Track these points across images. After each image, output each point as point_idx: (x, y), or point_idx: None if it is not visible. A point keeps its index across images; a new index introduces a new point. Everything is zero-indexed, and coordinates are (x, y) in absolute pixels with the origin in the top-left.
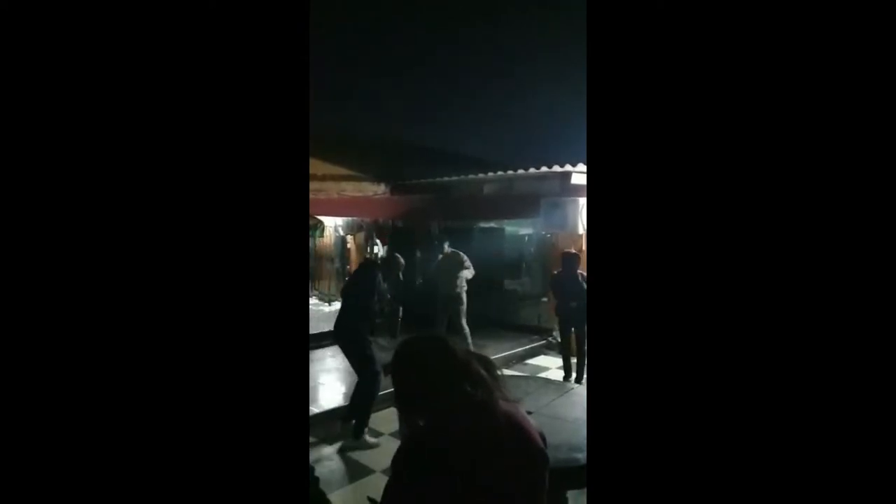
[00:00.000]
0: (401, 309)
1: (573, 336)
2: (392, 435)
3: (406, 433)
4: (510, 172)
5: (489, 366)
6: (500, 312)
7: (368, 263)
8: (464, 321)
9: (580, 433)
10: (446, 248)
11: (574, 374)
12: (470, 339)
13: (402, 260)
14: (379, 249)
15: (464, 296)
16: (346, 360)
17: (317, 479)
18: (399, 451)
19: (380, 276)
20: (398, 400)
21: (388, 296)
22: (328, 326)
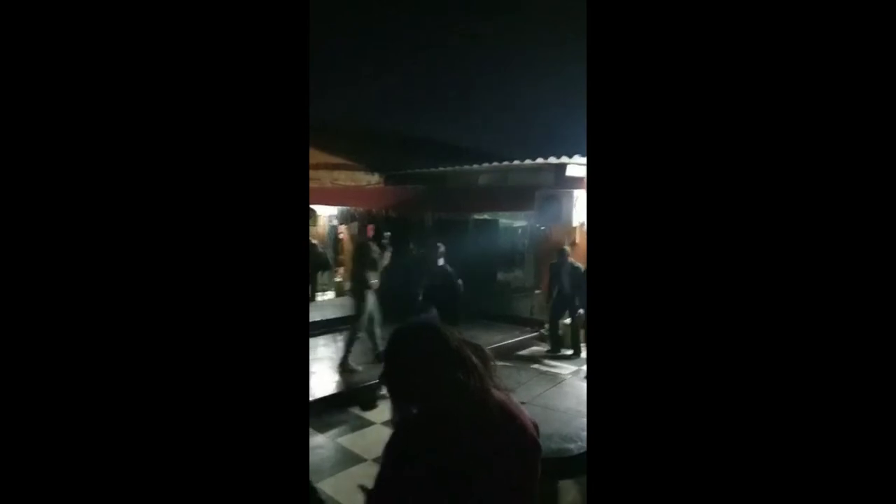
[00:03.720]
0: (459, 284)
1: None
2: (385, 424)
3: (398, 421)
4: (505, 164)
5: (482, 354)
6: (492, 304)
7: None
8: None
9: (572, 423)
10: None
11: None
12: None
13: (442, 246)
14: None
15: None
16: (337, 349)
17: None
18: (391, 439)
19: (414, 265)
20: (390, 387)
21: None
22: (320, 315)
